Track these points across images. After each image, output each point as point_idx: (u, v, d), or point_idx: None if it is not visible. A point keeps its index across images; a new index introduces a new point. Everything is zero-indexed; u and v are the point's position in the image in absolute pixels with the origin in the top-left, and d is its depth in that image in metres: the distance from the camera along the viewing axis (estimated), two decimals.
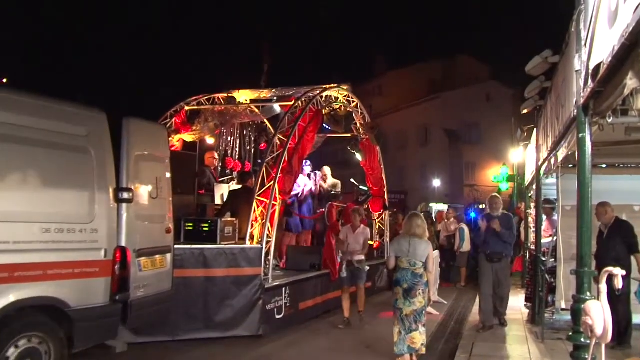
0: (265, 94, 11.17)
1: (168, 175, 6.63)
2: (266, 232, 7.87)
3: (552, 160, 6.64)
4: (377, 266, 12.41)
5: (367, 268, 9.14)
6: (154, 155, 6.39)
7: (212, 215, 7.74)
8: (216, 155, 10.52)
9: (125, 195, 5.78)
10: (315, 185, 11.39)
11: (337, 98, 11.21)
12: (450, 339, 8.07)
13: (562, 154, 5.84)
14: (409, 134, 39.59)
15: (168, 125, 10.04)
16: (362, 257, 8.84)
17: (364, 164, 13.01)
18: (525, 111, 8.55)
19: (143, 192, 6.13)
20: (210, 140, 10.94)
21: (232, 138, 11.89)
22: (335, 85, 11.02)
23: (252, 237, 7.95)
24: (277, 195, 8.25)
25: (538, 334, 7.30)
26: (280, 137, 8.73)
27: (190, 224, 7.60)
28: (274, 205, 8.21)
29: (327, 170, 12.64)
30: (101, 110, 5.73)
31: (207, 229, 7.50)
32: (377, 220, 14.17)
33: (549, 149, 6.83)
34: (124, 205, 5.78)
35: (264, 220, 7.94)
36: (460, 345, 7.12)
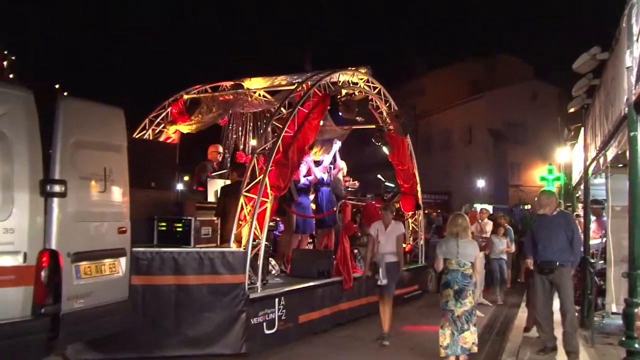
0: (280, 80, 10.09)
1: (124, 166, 5.66)
2: (252, 233, 6.77)
3: (601, 160, 6.52)
4: (426, 269, 12.05)
5: (385, 281, 7.62)
6: (102, 142, 5.42)
7: (193, 213, 6.72)
8: (220, 149, 9.53)
9: (56, 189, 4.82)
10: (330, 177, 10.17)
11: (355, 83, 9.99)
12: (495, 342, 7.81)
13: (611, 153, 5.81)
14: (453, 134, 38.88)
15: (163, 115, 9.19)
16: (396, 259, 7.52)
17: (392, 158, 11.67)
18: (572, 110, 8.29)
19: (84, 185, 5.17)
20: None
21: (243, 130, 10.87)
22: (352, 68, 9.78)
23: (238, 240, 6.88)
24: (269, 191, 7.14)
25: (587, 338, 6.94)
26: (275, 123, 7.62)
27: (164, 224, 6.61)
28: (264, 202, 7.10)
29: (342, 165, 11.47)
30: (26, 89, 4.81)
31: (180, 229, 6.49)
32: (411, 221, 12.82)
33: (598, 148, 6.77)
34: (55, 200, 4.83)
35: (252, 220, 6.85)
36: (505, 349, 7.10)
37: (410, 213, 12.47)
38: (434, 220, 17.16)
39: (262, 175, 7.05)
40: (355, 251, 10.02)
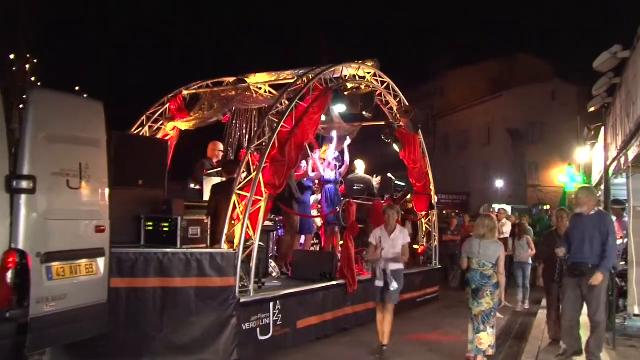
0: (285, 75, 9.72)
1: (103, 161, 5.34)
2: (243, 234, 6.40)
3: (622, 160, 6.49)
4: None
5: (397, 286, 7.06)
6: (78, 136, 5.09)
7: (181, 212, 6.38)
8: (220, 147, 9.19)
9: (23, 185, 4.52)
10: (338, 175, 9.75)
11: (362, 77, 9.57)
12: (514, 344, 7.67)
13: (633, 152, 5.80)
14: (471, 133, 38.65)
15: (161, 112, 8.90)
16: (401, 267, 7.05)
17: (403, 156, 11.24)
18: (592, 109, 8.16)
19: (57, 181, 4.85)
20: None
21: (248, 127, 10.51)
22: (359, 61, 9.35)
23: (231, 241, 6.51)
24: (263, 189, 6.77)
25: (609, 340, 6.78)
26: (272, 118, 7.25)
27: (151, 223, 6.28)
28: (258, 200, 6.73)
29: (358, 163, 11.03)
30: None
31: (167, 229, 6.15)
32: (424, 222, 12.33)
33: (619, 148, 6.75)
34: (22, 197, 4.52)
35: (244, 219, 6.48)
36: (525, 350, 7.01)
37: (423, 213, 12.03)
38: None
39: (255, 173, 6.68)
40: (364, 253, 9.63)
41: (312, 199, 10.08)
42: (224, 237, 6.44)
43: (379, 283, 6.90)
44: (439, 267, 12.18)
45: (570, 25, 54.80)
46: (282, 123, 7.09)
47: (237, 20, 62.32)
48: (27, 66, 37.94)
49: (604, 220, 6.10)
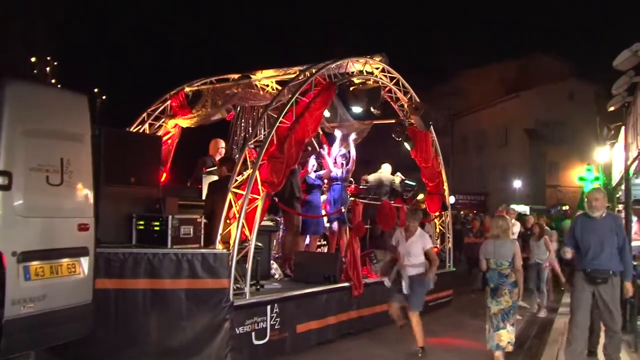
0: (293, 72, 9.46)
1: (87, 157, 5.13)
2: (238, 234, 6.13)
3: None
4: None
5: (431, 286, 7.17)
6: (59, 130, 4.89)
7: (174, 211, 6.15)
8: (222, 144, 8.95)
9: None
10: (345, 173, 9.43)
11: (370, 73, 9.23)
12: (533, 346, 7.58)
13: None
14: (488, 134, 38.69)
15: (162, 108, 8.70)
16: (419, 271, 6.88)
17: (414, 154, 10.84)
18: (612, 108, 8.12)
19: (35, 177, 4.65)
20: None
21: (253, 124, 10.25)
22: (366, 56, 9.01)
23: (226, 241, 6.25)
24: (260, 187, 6.49)
25: (630, 343, 6.76)
26: (271, 113, 6.98)
27: (142, 222, 6.06)
28: (255, 199, 6.45)
29: (385, 166, 10.82)
30: None
31: (158, 228, 5.91)
32: (438, 223, 11.94)
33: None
34: None
35: (239, 218, 6.21)
36: (545, 354, 6.97)
37: (436, 214, 11.65)
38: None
39: (251, 170, 6.41)
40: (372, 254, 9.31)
41: (323, 198, 9.81)
42: (218, 237, 6.17)
43: (387, 283, 6.99)
44: (453, 269, 11.76)
45: (588, 23, 53.83)
46: (281, 118, 6.81)
47: (246, 17, 62.51)
48: (48, 68, 38.47)
49: (618, 223, 5.80)
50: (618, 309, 5.71)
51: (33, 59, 38.34)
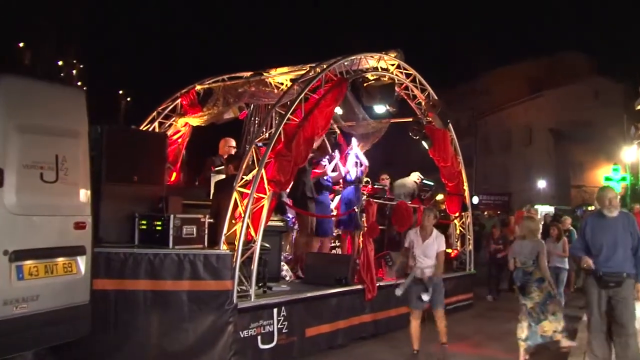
0: (307, 69, 9.24)
1: (84, 153, 4.99)
2: (242, 234, 5.93)
3: None
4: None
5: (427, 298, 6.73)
6: (55, 126, 4.77)
7: (178, 210, 5.98)
8: (232, 143, 8.77)
9: None
10: (360, 173, 9.15)
11: (385, 69, 8.96)
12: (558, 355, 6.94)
13: None
14: (513, 134, 38.44)
15: (172, 107, 8.58)
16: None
17: (432, 153, 10.51)
18: (639, 107, 7.85)
19: (29, 173, 4.52)
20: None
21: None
22: (380, 51, 8.74)
23: (232, 242, 6.05)
24: (266, 186, 6.29)
25: None
26: (279, 110, 6.77)
27: (144, 222, 5.90)
28: (261, 198, 6.25)
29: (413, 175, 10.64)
30: None
31: (160, 228, 5.75)
32: (458, 224, 11.57)
33: None
34: None
35: (244, 218, 6.01)
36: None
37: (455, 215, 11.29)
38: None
39: (257, 168, 6.21)
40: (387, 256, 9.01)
41: (336, 199, 9.57)
42: (222, 238, 5.98)
43: (398, 291, 6.65)
44: (473, 272, 11.37)
45: (614, 21, 52.50)
46: (289, 115, 6.59)
47: (261, 15, 62.66)
48: (74, 71, 39.13)
49: (632, 222, 5.46)
50: (633, 310, 5.40)
51: (60, 63, 39.17)
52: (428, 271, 6.61)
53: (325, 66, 7.42)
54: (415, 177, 11.07)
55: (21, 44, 33.46)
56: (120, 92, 36.30)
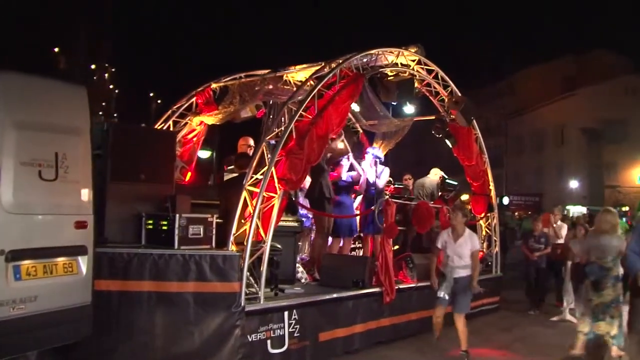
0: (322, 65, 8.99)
1: (85, 151, 4.86)
2: (251, 234, 5.73)
3: None
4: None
5: (479, 289, 6.87)
6: (55, 123, 4.64)
7: (186, 210, 5.82)
8: (251, 142, 8.57)
9: None
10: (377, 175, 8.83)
11: (406, 65, 8.65)
12: None
13: None
14: (544, 133, 37.76)
15: (186, 105, 8.46)
16: (468, 274, 6.62)
17: (456, 152, 10.17)
18: None
19: (27, 171, 4.40)
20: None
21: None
22: (400, 47, 8.42)
23: (240, 242, 5.86)
24: (277, 185, 6.08)
25: None
26: (292, 106, 6.56)
27: (151, 221, 5.76)
28: (271, 197, 6.04)
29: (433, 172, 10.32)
30: None
31: (165, 227, 5.59)
32: (484, 225, 11.15)
33: None
34: None
35: (252, 218, 5.81)
36: None
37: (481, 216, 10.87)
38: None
39: (267, 166, 6.00)
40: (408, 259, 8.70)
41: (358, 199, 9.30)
42: (231, 238, 5.80)
43: (441, 293, 6.65)
44: (500, 274, 10.92)
45: None
46: (300, 111, 6.37)
47: (282, 13, 62.49)
48: (106, 75, 39.85)
49: None
50: None
51: (93, 66, 40.00)
52: (461, 272, 6.59)
53: (340, 61, 7.18)
54: (434, 174, 10.67)
55: (56, 49, 34.29)
56: (151, 94, 36.84)
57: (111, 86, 40.91)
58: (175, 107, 8.58)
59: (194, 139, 8.50)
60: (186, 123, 8.58)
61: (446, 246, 6.72)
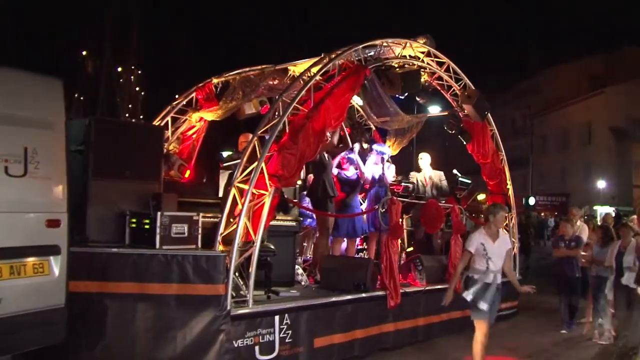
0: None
1: (58, 146, 4.63)
2: (239, 233, 5.43)
3: None
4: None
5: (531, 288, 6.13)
6: (25, 117, 4.41)
7: (172, 208, 5.55)
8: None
9: None
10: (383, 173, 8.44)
11: (415, 57, 8.23)
12: None
13: None
14: (571, 133, 37.03)
15: (186, 101, 8.21)
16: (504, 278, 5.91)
17: (471, 149, 9.69)
18: None
19: None
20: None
21: None
22: (408, 38, 8.01)
23: (229, 242, 5.56)
24: (267, 182, 5.76)
25: None
26: (286, 99, 6.24)
27: (134, 220, 5.50)
28: (261, 195, 5.72)
29: (423, 156, 9.71)
30: None
31: (148, 226, 5.33)
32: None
33: None
34: None
35: (239, 216, 5.51)
36: None
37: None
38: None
39: (257, 162, 5.68)
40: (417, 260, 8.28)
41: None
42: (218, 238, 5.51)
43: (469, 295, 5.64)
44: (519, 277, 10.36)
45: None
46: (294, 104, 6.04)
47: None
48: (132, 77, 40.16)
49: None
50: None
51: (120, 69, 40.35)
52: (500, 277, 5.75)
53: (339, 52, 6.83)
54: (426, 161, 9.97)
55: (84, 52, 34.68)
56: (177, 97, 36.86)
57: (137, 88, 41.14)
58: (174, 102, 8.35)
59: (194, 135, 8.25)
60: (186, 119, 8.34)
61: (484, 248, 5.71)
